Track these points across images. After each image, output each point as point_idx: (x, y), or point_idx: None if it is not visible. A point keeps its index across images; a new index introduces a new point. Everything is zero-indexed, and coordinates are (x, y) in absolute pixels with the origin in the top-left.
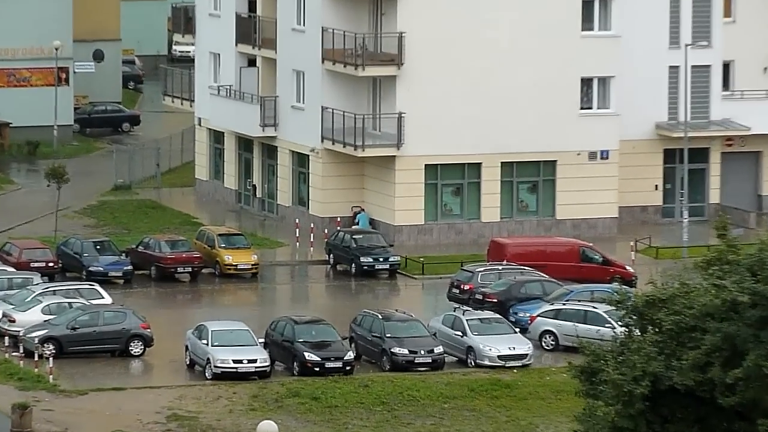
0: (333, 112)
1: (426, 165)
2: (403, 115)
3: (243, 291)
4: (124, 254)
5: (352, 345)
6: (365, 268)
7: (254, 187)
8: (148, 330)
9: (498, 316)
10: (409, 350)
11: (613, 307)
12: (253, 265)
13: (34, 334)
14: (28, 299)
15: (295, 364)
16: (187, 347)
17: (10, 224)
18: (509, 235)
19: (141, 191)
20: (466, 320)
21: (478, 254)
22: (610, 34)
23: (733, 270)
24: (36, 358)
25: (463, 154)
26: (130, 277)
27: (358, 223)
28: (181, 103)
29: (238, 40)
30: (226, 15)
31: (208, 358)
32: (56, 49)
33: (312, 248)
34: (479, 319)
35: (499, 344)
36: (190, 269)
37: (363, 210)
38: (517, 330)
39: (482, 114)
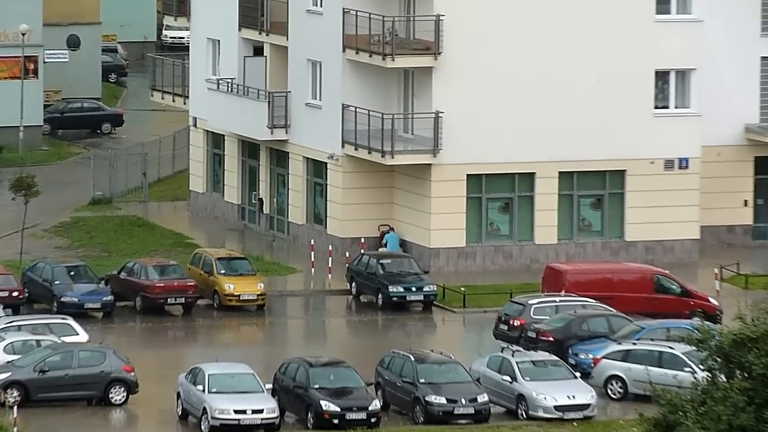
0: (356, 111)
1: (468, 175)
2: (440, 114)
3: (247, 326)
4: (103, 282)
5: (379, 392)
6: (394, 299)
7: (261, 201)
8: (132, 373)
9: (555, 357)
10: (447, 399)
11: (694, 348)
12: (259, 295)
13: None
14: None
15: (309, 415)
16: (179, 394)
17: None
18: (568, 260)
19: (124, 206)
20: (517, 363)
21: (531, 283)
22: (690, 18)
23: None
24: None
25: (513, 163)
26: (110, 309)
27: (386, 245)
28: (173, 100)
29: (242, 23)
30: None
31: (205, 408)
32: (23, 35)
33: (330, 275)
34: (532, 361)
35: (556, 392)
36: (183, 300)
37: (392, 229)
38: (578, 375)
39: (536, 114)
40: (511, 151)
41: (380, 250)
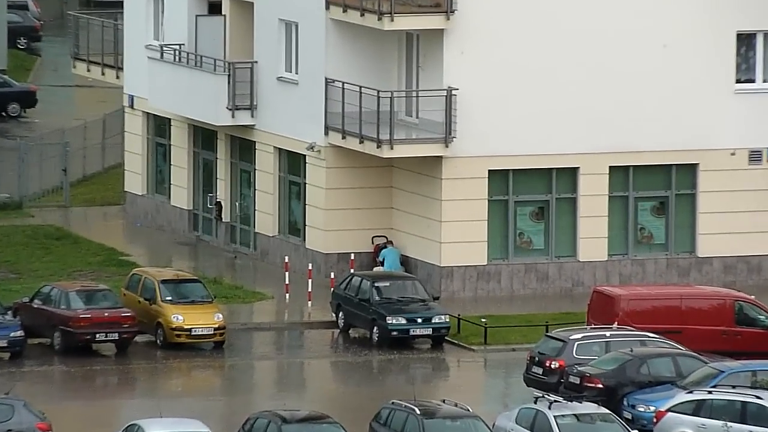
0: (344, 88)
1: (491, 171)
2: (454, 92)
3: (201, 370)
4: (10, 312)
5: None
6: (394, 333)
7: (219, 206)
8: None
9: (605, 410)
10: None
11: None
12: (216, 329)
13: None
14: None
15: None
16: None
17: None
18: (622, 282)
19: (38, 212)
20: (555, 418)
21: (573, 313)
22: None
23: None
24: None
25: (549, 155)
26: (20, 348)
27: (383, 263)
28: (102, 73)
29: None
30: None
31: None
32: None
33: (310, 303)
34: (575, 415)
35: None
36: (116, 336)
37: (391, 243)
38: None
39: (580, 92)
40: (547, 140)
41: (375, 269)
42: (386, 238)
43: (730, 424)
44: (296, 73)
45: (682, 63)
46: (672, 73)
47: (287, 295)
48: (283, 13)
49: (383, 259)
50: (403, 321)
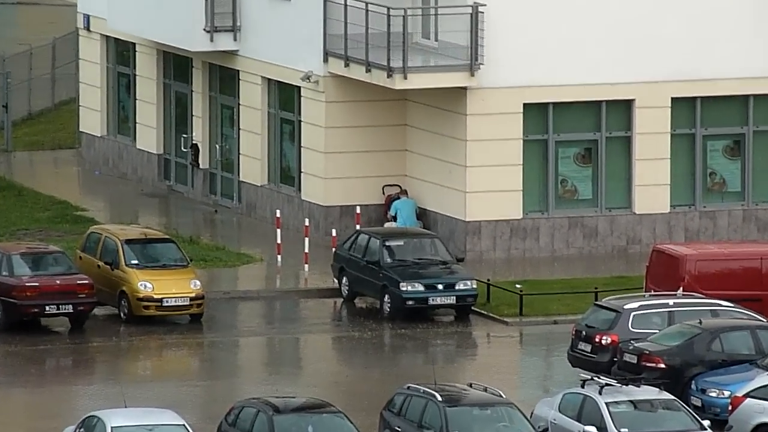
0: (346, 4)
1: (526, 105)
2: (480, 8)
3: (174, 349)
4: None
5: None
6: (410, 303)
7: (195, 149)
8: None
9: (668, 396)
10: None
11: None
12: (192, 299)
13: None
14: None
15: None
16: None
17: None
18: (689, 239)
19: None
20: (607, 405)
21: (628, 276)
22: None
23: None
24: None
25: (596, 84)
26: None
27: (395, 218)
28: None
29: None
30: None
31: None
32: None
33: (307, 266)
34: (631, 402)
35: None
36: (70, 308)
37: (405, 193)
38: (707, 424)
39: (634, 6)
40: (595, 66)
41: (387, 225)
42: (399, 187)
43: None
44: None
45: None
46: None
47: (279, 257)
48: None
49: (396, 213)
50: (421, 288)
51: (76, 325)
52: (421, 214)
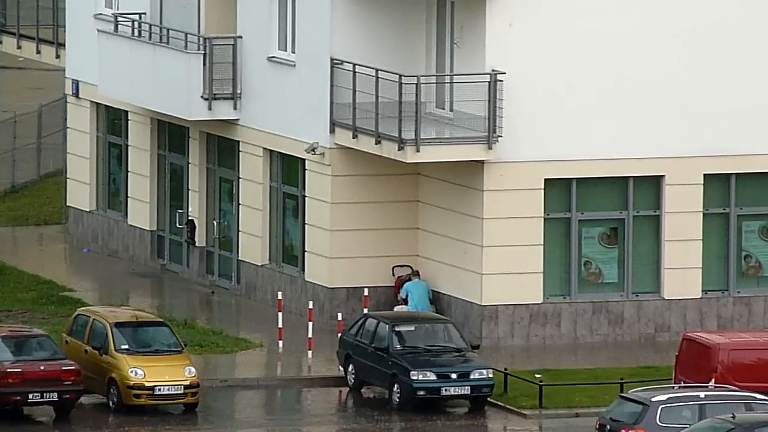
0: (355, 72)
1: (547, 181)
2: (499, 77)
3: None
4: None
5: None
6: (421, 393)
7: (191, 225)
8: None
9: None
10: None
11: None
12: (187, 387)
13: None
14: None
15: None
16: None
17: None
18: (721, 327)
19: None
20: None
21: (656, 366)
22: None
23: None
24: None
25: (623, 159)
26: None
27: (406, 301)
28: (38, 51)
29: None
30: None
31: None
32: None
33: (311, 353)
34: None
35: None
36: (54, 396)
37: (417, 274)
38: None
39: (666, 77)
40: (621, 139)
41: (397, 308)
42: (411, 268)
43: None
44: (293, 52)
45: None
46: None
47: (281, 342)
48: None
49: (407, 296)
50: (433, 377)
51: (62, 415)
52: (434, 298)
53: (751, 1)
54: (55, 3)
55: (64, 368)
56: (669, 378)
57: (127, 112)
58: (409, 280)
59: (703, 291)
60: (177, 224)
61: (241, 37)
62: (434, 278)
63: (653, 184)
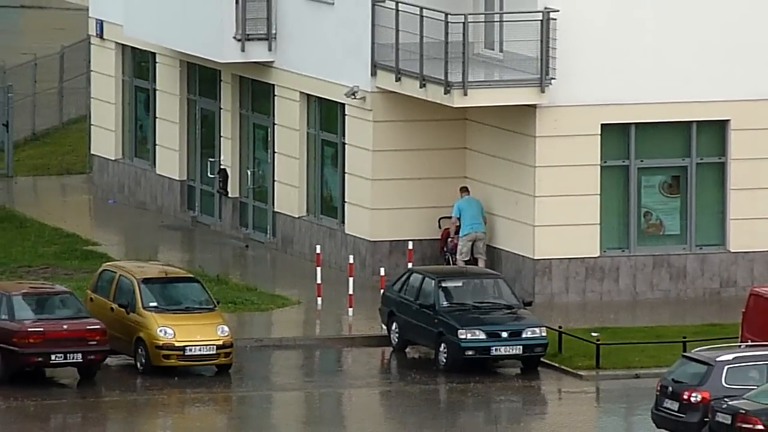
0: (398, 10)
1: (604, 126)
2: (553, 16)
3: (199, 406)
4: None
5: None
6: (470, 353)
7: (224, 175)
8: None
9: None
10: None
11: None
12: (220, 347)
13: None
14: None
15: None
16: None
17: None
18: None
19: None
20: None
21: (721, 324)
22: None
23: None
24: None
25: (686, 102)
26: None
27: (459, 222)
28: None
29: None
30: None
31: None
32: None
33: (351, 310)
34: None
35: None
36: (79, 357)
37: (467, 190)
38: None
39: (732, 13)
40: (684, 81)
41: (460, 261)
42: (459, 219)
43: None
44: None
45: None
46: None
47: (319, 299)
48: None
49: (459, 215)
50: (482, 336)
51: (86, 377)
52: (489, 252)
53: None
54: None
55: (88, 327)
56: (735, 336)
57: (154, 54)
58: (462, 198)
59: None
60: (208, 174)
61: None
62: (490, 230)
63: (718, 129)
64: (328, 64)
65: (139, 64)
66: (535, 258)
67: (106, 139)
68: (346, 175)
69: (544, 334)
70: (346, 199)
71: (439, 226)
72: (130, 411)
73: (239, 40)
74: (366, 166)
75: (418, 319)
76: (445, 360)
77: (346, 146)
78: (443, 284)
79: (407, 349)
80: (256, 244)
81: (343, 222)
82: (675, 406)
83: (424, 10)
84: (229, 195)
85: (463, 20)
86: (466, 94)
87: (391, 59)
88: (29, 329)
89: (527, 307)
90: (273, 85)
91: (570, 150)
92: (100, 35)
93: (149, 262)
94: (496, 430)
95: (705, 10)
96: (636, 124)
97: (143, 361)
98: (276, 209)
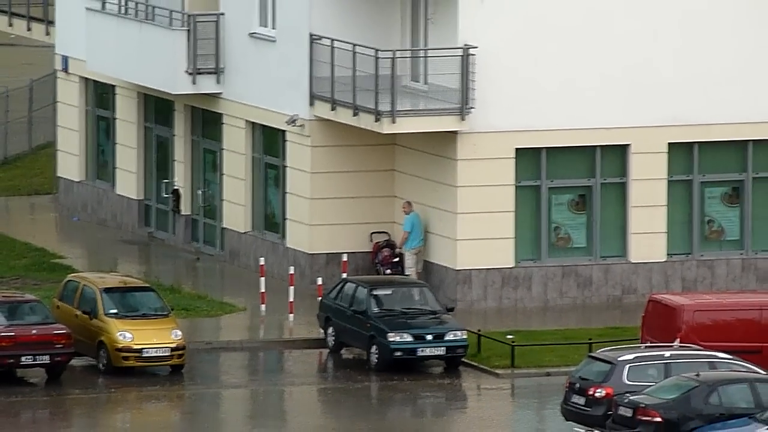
0: (333, 47)
1: (518, 150)
2: (471, 51)
3: (155, 402)
4: None
5: None
6: (398, 354)
7: (177, 194)
8: None
9: None
10: None
11: None
12: (174, 349)
13: None
14: None
15: None
16: None
17: None
18: (686, 289)
19: None
20: None
21: (623, 327)
22: None
23: None
24: None
25: (591, 129)
26: None
27: (409, 235)
28: (28, 28)
29: None
30: None
31: None
32: None
33: (292, 316)
34: None
35: None
36: (46, 359)
37: (410, 205)
38: None
39: (631, 49)
40: (589, 110)
41: (409, 271)
42: (388, 234)
43: None
44: (273, 28)
45: (763, 16)
46: (751, 28)
47: (263, 306)
48: None
49: (411, 229)
50: (409, 338)
51: (53, 377)
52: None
53: None
54: None
55: (55, 332)
56: (635, 338)
57: (114, 86)
58: (409, 213)
59: (668, 255)
60: (163, 193)
61: (223, 13)
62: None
63: (619, 152)
64: (271, 95)
65: (100, 95)
66: (457, 268)
67: (71, 163)
68: (287, 194)
69: (464, 336)
70: (287, 216)
71: (371, 240)
72: (93, 407)
73: (191, 74)
74: (305, 186)
75: (352, 324)
76: (376, 360)
77: (287, 169)
78: (374, 292)
79: (342, 351)
80: (206, 256)
81: (285, 237)
82: (582, 400)
83: (356, 46)
84: (182, 213)
85: (391, 56)
86: (394, 122)
87: (328, 90)
88: (2, 334)
89: (450, 313)
90: (221, 114)
91: (488, 172)
92: (65, 70)
93: (110, 273)
94: (422, 422)
95: (607, 47)
96: (547, 148)
97: (105, 362)
98: (224, 225)
